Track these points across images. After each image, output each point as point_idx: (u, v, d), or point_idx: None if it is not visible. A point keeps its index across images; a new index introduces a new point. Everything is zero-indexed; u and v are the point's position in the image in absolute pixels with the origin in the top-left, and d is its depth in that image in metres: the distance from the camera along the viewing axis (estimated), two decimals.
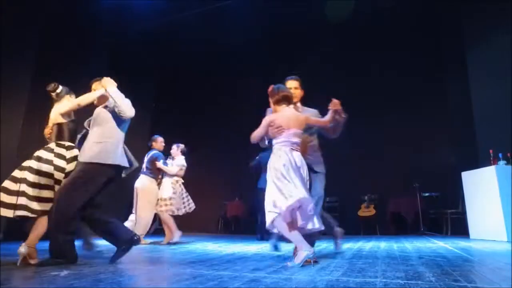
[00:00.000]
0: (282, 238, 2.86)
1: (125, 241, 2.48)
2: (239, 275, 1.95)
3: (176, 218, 7.98)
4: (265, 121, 2.57)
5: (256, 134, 2.59)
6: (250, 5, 6.72)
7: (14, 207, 2.44)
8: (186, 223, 7.62)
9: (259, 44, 7.49)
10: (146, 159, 4.90)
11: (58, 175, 2.58)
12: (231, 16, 6.83)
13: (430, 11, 6.39)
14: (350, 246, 3.84)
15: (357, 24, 6.81)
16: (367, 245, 3.96)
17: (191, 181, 7.71)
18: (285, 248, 3.66)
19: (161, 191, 4.74)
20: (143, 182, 4.69)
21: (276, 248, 3.44)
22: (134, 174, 4.31)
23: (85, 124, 3.03)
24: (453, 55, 6.14)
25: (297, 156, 2.46)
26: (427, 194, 6.14)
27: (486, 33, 5.36)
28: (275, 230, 2.41)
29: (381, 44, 6.93)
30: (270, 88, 2.67)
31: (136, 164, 2.96)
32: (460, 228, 5.44)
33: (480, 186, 4.53)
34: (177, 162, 4.96)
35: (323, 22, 6.90)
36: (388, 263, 2.37)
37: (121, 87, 7.33)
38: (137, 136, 7.34)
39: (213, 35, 7.37)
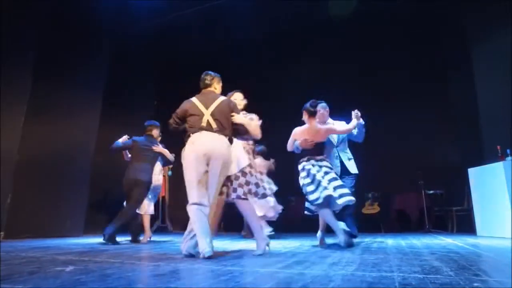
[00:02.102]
0: None
1: None
2: (249, 270, 1.89)
3: (178, 215, 7.93)
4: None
5: None
6: (252, 4, 6.64)
7: None
8: (186, 221, 7.56)
9: (260, 43, 7.44)
10: None
11: None
12: (232, 14, 6.76)
13: (434, 9, 6.32)
14: (357, 242, 3.78)
15: (359, 23, 6.74)
16: (374, 241, 3.90)
17: None
18: (291, 244, 3.61)
19: None
20: None
21: None
22: None
23: None
24: (457, 50, 6.07)
25: None
26: (431, 192, 6.07)
27: (491, 29, 5.29)
28: None
29: (384, 42, 6.87)
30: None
31: None
32: (465, 225, 5.37)
33: (488, 182, 4.47)
34: None
35: (324, 22, 6.84)
36: (400, 258, 2.31)
37: (122, 86, 7.26)
38: (137, 134, 7.28)
39: (214, 33, 7.31)
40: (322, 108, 3.84)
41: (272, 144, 6.02)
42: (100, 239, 3.89)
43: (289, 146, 3.52)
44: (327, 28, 6.95)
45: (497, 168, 4.30)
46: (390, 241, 3.85)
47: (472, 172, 4.85)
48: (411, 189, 6.16)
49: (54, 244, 3.73)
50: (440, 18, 6.42)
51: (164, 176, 7.12)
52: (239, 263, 2.17)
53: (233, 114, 2.77)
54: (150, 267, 2.05)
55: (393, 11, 6.47)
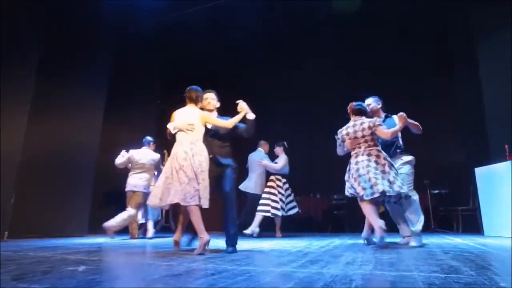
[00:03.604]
0: None
1: None
2: (265, 270, 1.86)
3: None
4: None
5: None
6: (254, 4, 6.59)
7: None
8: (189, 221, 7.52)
9: (263, 41, 7.40)
10: None
11: None
12: (234, 14, 6.73)
13: (439, 8, 6.29)
14: (366, 242, 3.75)
15: (362, 22, 6.71)
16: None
17: None
18: (300, 244, 3.57)
19: None
20: None
21: None
22: None
23: None
24: (462, 48, 6.04)
25: None
26: (436, 191, 6.04)
27: (497, 28, 5.26)
28: None
29: (388, 41, 6.84)
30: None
31: None
32: (471, 225, 5.35)
33: (495, 182, 4.45)
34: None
35: (326, 21, 6.81)
36: (415, 257, 2.28)
37: (125, 86, 7.23)
38: (142, 133, 7.25)
39: (217, 32, 7.28)
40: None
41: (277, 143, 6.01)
42: (103, 239, 3.89)
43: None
44: (329, 28, 6.91)
45: (505, 168, 4.27)
46: (399, 240, 3.82)
47: (479, 171, 4.83)
48: (416, 189, 6.10)
49: (60, 244, 3.69)
50: (445, 17, 6.39)
51: None
52: (253, 263, 2.14)
53: None
54: (163, 267, 2.01)
55: (397, 10, 6.43)
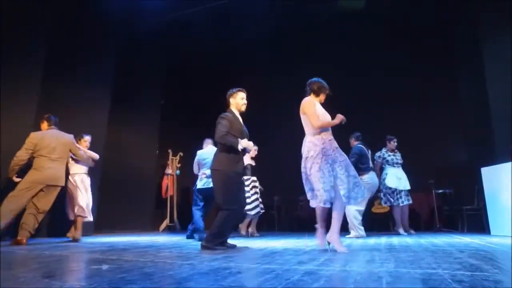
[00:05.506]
0: None
1: None
2: (289, 268, 1.87)
3: (185, 215, 7.87)
4: None
5: None
6: (257, 3, 6.60)
7: None
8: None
9: (265, 41, 7.42)
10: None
11: None
12: (238, 13, 6.74)
13: (444, 7, 6.32)
14: (375, 241, 3.78)
15: (367, 21, 6.73)
16: (392, 240, 3.90)
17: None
18: (312, 243, 3.59)
19: None
20: None
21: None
22: None
23: None
24: (468, 48, 6.07)
25: None
26: (440, 191, 6.08)
27: (503, 27, 5.26)
28: None
29: (392, 40, 6.87)
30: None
31: None
32: (476, 225, 5.38)
33: (502, 181, 4.48)
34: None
35: (329, 21, 6.83)
36: (432, 256, 2.30)
37: (130, 85, 7.22)
38: (145, 133, 7.26)
39: (221, 32, 7.29)
40: None
41: (282, 143, 6.02)
42: (110, 238, 3.88)
43: None
44: (331, 27, 6.91)
45: (510, 167, 4.30)
46: (409, 240, 3.85)
47: (485, 171, 4.86)
48: (421, 188, 6.15)
49: (70, 243, 3.69)
50: (451, 16, 6.41)
51: (172, 175, 7.10)
52: (274, 261, 2.15)
53: None
54: (186, 266, 2.02)
55: (401, 8, 6.45)
